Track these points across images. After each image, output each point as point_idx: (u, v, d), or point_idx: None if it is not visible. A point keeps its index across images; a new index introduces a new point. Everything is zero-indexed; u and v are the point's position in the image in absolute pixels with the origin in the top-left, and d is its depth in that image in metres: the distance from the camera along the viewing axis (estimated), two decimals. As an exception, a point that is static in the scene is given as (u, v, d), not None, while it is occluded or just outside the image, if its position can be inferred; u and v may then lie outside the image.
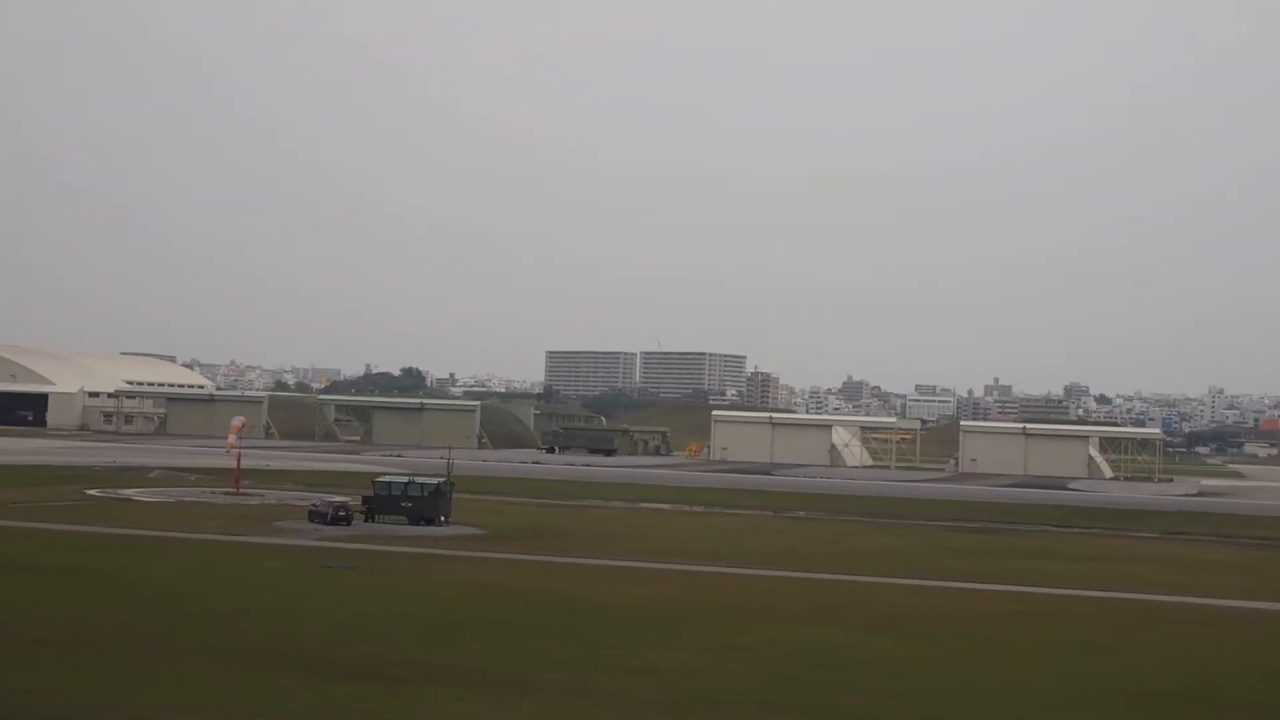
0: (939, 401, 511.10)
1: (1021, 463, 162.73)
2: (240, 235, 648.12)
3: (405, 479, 72.74)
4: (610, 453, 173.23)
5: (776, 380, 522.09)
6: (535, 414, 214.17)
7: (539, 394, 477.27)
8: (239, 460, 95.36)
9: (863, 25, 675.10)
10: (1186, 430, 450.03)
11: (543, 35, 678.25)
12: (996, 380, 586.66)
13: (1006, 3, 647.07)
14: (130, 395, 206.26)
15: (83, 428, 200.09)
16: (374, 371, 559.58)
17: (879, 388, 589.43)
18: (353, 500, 74.04)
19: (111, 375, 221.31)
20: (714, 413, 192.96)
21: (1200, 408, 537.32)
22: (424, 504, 70.31)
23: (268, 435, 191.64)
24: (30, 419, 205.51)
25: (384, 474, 79.17)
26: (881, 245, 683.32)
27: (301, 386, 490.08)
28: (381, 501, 71.00)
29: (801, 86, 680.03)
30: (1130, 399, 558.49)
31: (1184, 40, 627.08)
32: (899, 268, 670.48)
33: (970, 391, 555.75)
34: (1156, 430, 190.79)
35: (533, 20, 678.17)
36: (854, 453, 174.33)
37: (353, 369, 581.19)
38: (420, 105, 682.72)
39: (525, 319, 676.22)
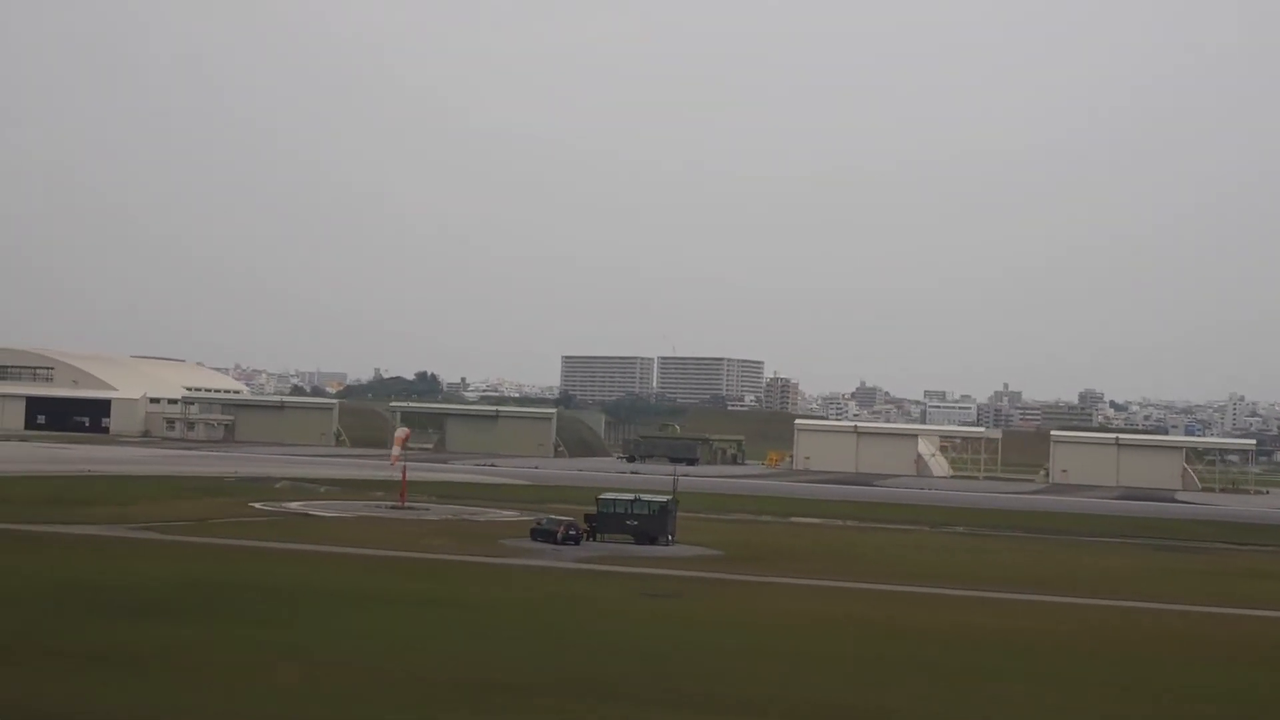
0: (959, 408, 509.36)
1: (1114, 474, 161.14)
2: (243, 238, 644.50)
3: (631, 496, 70.64)
4: (693, 462, 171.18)
5: (796, 386, 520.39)
6: (606, 422, 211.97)
7: (556, 399, 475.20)
8: (404, 473, 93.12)
9: (865, 25, 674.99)
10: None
11: (546, 37, 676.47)
12: (1006, 386, 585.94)
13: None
14: (197, 402, 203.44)
15: (145, 434, 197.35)
16: (384, 376, 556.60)
17: (888, 393, 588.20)
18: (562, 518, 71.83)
19: (167, 381, 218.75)
20: (797, 421, 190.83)
21: (1216, 414, 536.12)
22: (650, 522, 68.30)
23: (338, 443, 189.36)
24: (87, 424, 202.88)
25: (607, 491, 76.83)
26: (877, 246, 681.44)
27: (318, 390, 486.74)
28: (606, 520, 68.95)
29: (801, 86, 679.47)
30: (1144, 405, 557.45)
31: (1215, 31, 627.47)
32: (894, 269, 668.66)
33: (994, 394, 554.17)
34: (1251, 441, 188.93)
35: (533, 22, 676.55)
36: (939, 463, 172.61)
37: (358, 373, 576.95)
38: (423, 108, 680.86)
39: (534, 323, 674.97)
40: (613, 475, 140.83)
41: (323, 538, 66.33)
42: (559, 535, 66.20)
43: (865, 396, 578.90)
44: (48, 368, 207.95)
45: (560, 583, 52.13)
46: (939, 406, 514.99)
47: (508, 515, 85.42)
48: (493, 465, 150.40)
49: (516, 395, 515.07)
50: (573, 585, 51.26)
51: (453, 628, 40.29)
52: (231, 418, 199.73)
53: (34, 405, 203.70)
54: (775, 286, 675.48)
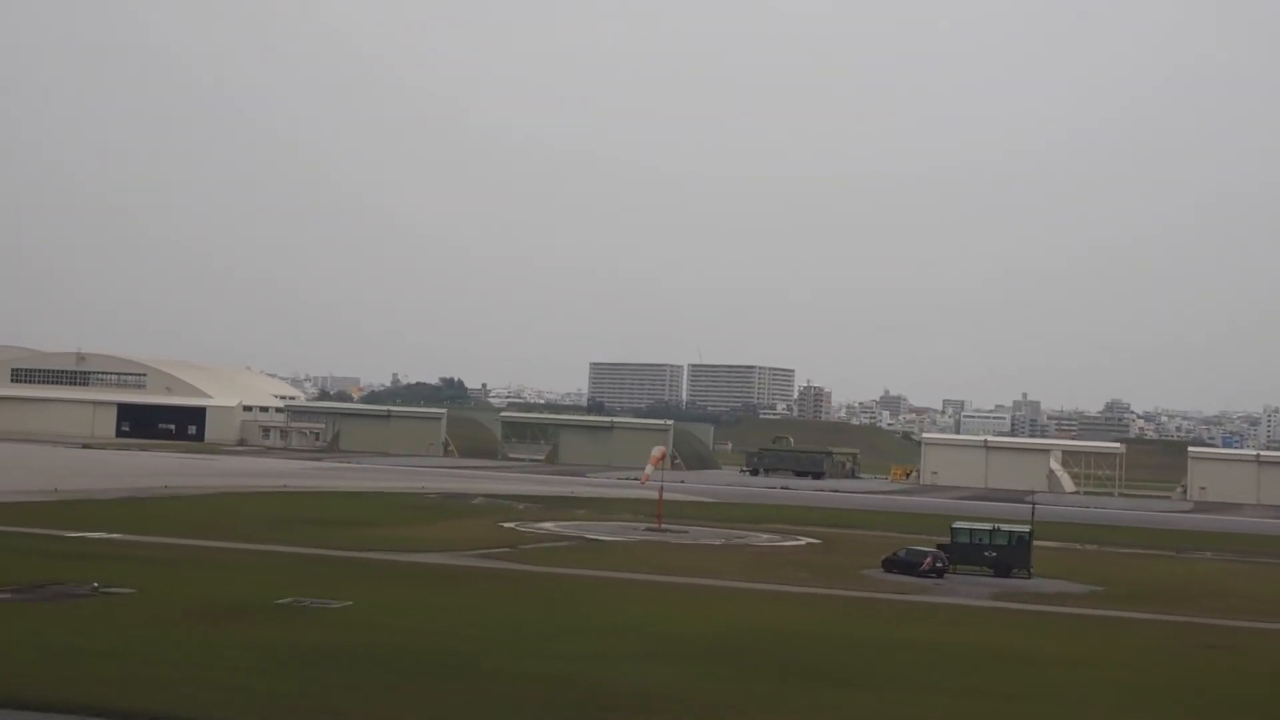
0: (993, 418, 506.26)
1: (1254, 491, 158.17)
2: (246, 241, 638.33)
3: (989, 526, 66.88)
4: (819, 475, 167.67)
5: (829, 395, 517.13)
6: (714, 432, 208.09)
7: (585, 406, 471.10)
8: (661, 493, 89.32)
9: (871, 26, 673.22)
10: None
11: (570, 44, 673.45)
12: (1025, 395, 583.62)
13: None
14: (301, 410, 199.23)
15: (241, 443, 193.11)
16: (402, 381, 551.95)
17: (910, 401, 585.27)
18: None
19: (257, 389, 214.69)
20: (924, 435, 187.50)
21: (1246, 425, 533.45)
22: (1009, 553, 64.68)
23: (446, 453, 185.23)
24: (173, 431, 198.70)
25: (960, 520, 73.07)
26: (883, 250, 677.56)
27: (342, 395, 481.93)
28: (962, 550, 65.25)
29: (797, 88, 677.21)
30: (1172, 416, 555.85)
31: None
32: (894, 273, 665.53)
33: (1014, 404, 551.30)
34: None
35: (553, 28, 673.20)
36: (1065, 479, 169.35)
37: (369, 378, 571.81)
38: (434, 113, 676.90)
39: (551, 328, 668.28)
40: (767, 490, 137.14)
41: (672, 568, 62.35)
42: (923, 567, 62.46)
43: (890, 405, 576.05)
44: (140, 374, 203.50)
45: (1069, 629, 48.16)
46: (973, 417, 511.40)
47: (768, 538, 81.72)
48: (634, 479, 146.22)
49: (542, 402, 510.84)
50: (1094, 631, 47.38)
51: (1123, 692, 36.43)
52: (321, 426, 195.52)
53: (126, 412, 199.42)
54: (791, 292, 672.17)
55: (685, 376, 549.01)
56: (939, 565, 62.90)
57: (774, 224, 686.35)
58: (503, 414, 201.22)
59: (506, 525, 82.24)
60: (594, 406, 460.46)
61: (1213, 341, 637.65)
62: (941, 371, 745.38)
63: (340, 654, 34.81)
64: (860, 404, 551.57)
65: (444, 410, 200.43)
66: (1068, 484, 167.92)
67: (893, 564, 63.62)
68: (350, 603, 43.18)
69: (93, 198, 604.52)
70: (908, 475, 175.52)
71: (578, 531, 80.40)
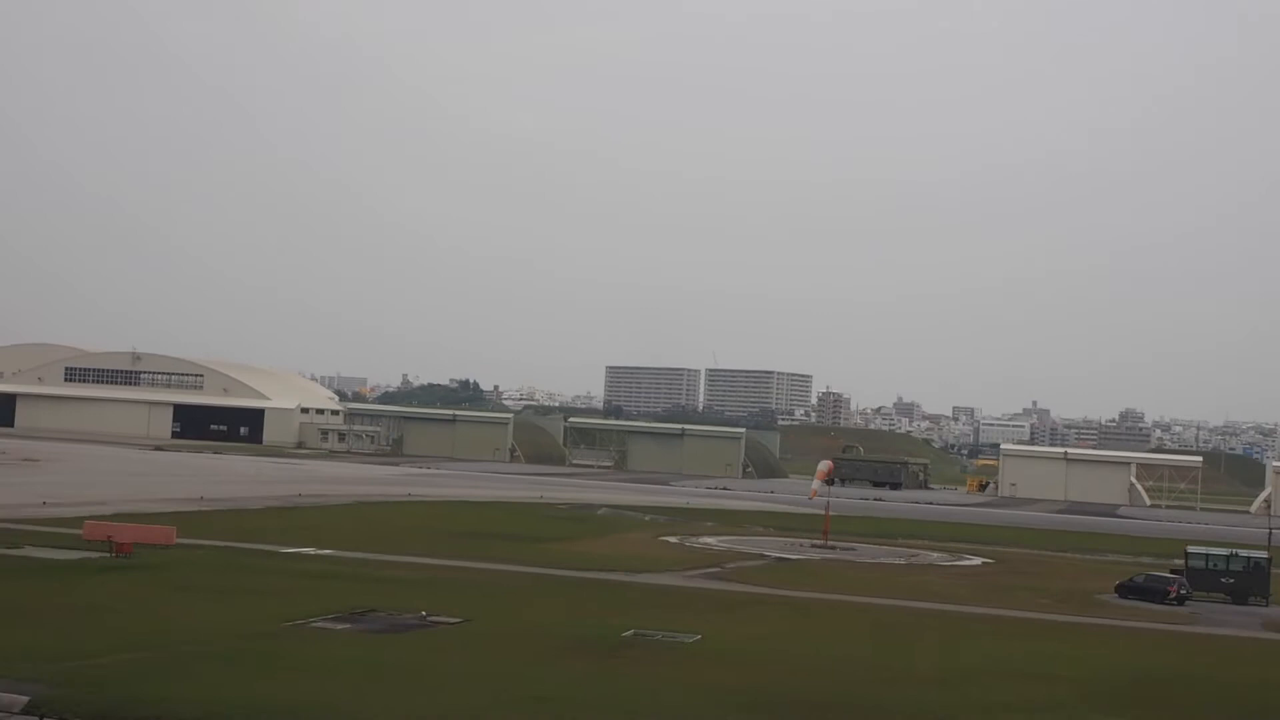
0: (1013, 427, 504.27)
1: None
2: (246, 242, 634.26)
3: (1226, 551, 64.60)
4: (896, 486, 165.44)
5: (848, 401, 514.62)
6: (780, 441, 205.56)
7: (601, 410, 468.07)
8: (828, 509, 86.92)
9: (887, 34, 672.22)
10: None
11: (582, 47, 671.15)
12: (1035, 403, 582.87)
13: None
14: (364, 413, 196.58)
15: (299, 445, 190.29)
16: (413, 382, 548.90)
17: (923, 408, 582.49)
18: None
19: (313, 391, 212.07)
20: (1002, 446, 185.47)
21: (1263, 436, 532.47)
22: (1247, 580, 62.40)
23: (513, 458, 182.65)
24: (224, 431, 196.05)
25: (1195, 544, 70.77)
26: (885, 255, 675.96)
27: (358, 396, 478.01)
28: (1199, 576, 62.88)
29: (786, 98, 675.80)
30: (1186, 426, 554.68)
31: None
32: (895, 280, 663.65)
33: (1024, 411, 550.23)
34: None
35: (568, 30, 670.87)
36: (1141, 492, 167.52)
37: (379, 378, 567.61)
38: (433, 114, 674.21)
39: (559, 331, 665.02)
40: (863, 503, 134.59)
41: (902, 591, 59.72)
42: (1166, 594, 60.11)
43: (904, 411, 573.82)
44: (196, 375, 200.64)
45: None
46: (992, 425, 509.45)
47: (938, 556, 79.38)
48: (724, 489, 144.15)
49: (556, 405, 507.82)
50: None
51: None
52: (377, 429, 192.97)
53: (181, 413, 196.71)
54: (801, 298, 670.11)
55: (702, 381, 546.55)
56: (1183, 593, 60.61)
57: (784, 228, 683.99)
58: (570, 420, 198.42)
59: (669, 540, 79.87)
60: (610, 410, 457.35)
61: (1215, 351, 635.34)
62: (951, 377, 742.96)
63: (768, 697, 32.46)
64: (874, 410, 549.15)
65: (510, 415, 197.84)
66: (1145, 498, 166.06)
67: (1130, 590, 61.21)
68: (699, 636, 40.71)
69: (92, 197, 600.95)
70: (982, 487, 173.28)
71: (749, 547, 77.99)
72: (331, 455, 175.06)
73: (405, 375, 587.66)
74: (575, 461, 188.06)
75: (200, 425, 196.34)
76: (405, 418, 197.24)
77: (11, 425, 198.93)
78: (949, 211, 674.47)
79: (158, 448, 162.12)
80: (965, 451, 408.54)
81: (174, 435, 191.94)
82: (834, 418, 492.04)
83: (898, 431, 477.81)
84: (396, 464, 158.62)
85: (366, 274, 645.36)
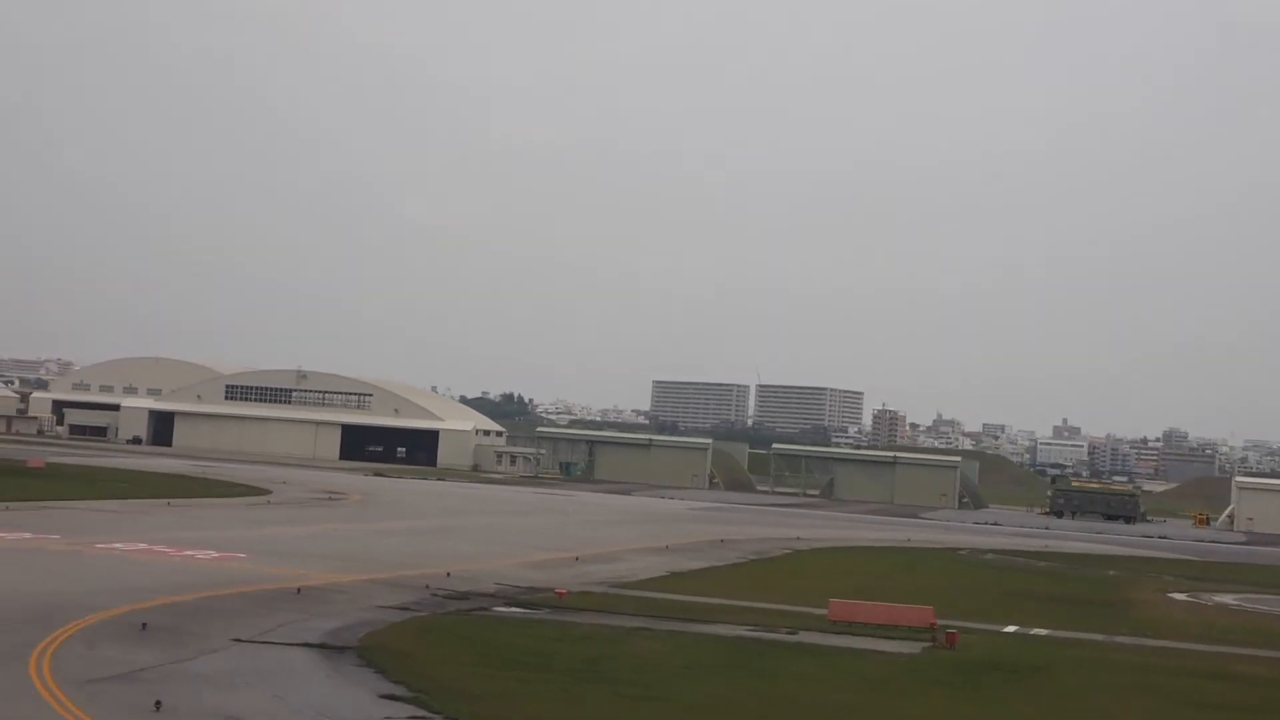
0: (1070, 446, 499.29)
1: None
2: (271, 245, 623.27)
3: None
4: (1130, 519, 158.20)
5: (904, 419, 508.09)
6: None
7: (646, 424, 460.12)
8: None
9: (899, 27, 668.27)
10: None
11: (624, 51, 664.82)
12: (1065, 421, 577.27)
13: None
14: (553, 437, 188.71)
15: (475, 468, 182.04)
16: (442, 394, 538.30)
17: (960, 423, 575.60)
18: None
19: (472, 413, 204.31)
20: (1236, 479, 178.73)
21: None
22: None
23: (711, 485, 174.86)
24: (386, 452, 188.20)
25: None
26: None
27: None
28: None
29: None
30: (1233, 447, 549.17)
31: None
32: (898, 286, 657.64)
33: (1055, 430, 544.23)
34: None
35: (617, 41, 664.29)
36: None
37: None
38: (461, 120, 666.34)
39: (596, 344, 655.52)
40: (1139, 539, 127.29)
41: None
42: None
43: (942, 428, 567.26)
44: (365, 394, 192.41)
45: None
46: (1050, 444, 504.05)
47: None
48: (993, 524, 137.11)
49: (597, 419, 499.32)
50: None
51: None
52: (542, 452, 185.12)
53: (351, 434, 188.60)
54: (836, 307, 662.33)
55: (752, 397, 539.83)
56: None
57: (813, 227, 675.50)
58: (775, 447, 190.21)
59: (1177, 597, 72.51)
60: (659, 425, 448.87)
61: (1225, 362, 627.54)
62: (979, 391, 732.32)
63: None
64: (926, 427, 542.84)
65: (709, 440, 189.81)
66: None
67: None
68: None
69: (119, 200, 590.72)
70: (1205, 521, 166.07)
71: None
72: (520, 480, 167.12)
73: (434, 387, 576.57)
74: (779, 489, 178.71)
75: (365, 446, 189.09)
76: (596, 441, 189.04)
77: (169, 444, 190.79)
78: (975, 219, 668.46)
79: (378, 473, 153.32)
80: (1048, 473, 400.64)
81: (345, 457, 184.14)
82: (890, 436, 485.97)
83: (958, 448, 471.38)
84: (629, 493, 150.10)
85: (401, 285, 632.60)
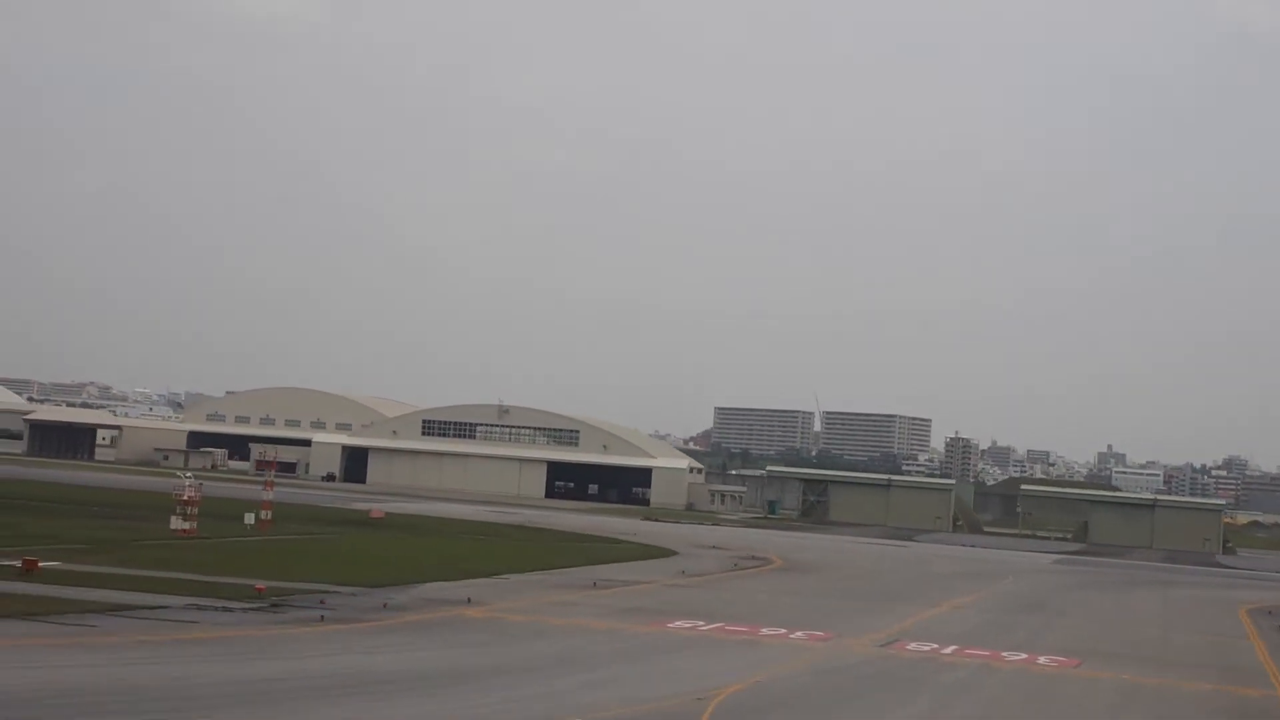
0: (1146, 475, 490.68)
1: None
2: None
3: None
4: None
5: (977, 446, 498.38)
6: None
7: (708, 451, 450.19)
8: None
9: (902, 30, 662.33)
10: None
11: (666, 69, 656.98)
12: (1110, 447, 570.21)
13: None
14: (783, 476, 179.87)
15: (689, 507, 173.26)
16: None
17: (1014, 449, 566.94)
18: None
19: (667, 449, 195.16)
20: None
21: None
22: None
23: (955, 528, 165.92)
24: (594, 491, 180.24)
25: None
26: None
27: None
28: None
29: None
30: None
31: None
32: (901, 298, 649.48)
33: (1100, 456, 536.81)
34: None
35: (650, 56, 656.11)
36: None
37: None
38: (487, 146, 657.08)
39: (606, 363, 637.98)
40: None
41: None
42: None
43: (999, 456, 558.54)
44: (573, 430, 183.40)
45: None
46: (1124, 473, 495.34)
47: None
48: None
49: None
50: None
51: None
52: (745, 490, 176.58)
53: (558, 471, 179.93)
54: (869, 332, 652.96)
55: (817, 423, 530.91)
56: None
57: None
58: (1023, 488, 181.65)
59: None
60: (726, 453, 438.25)
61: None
62: (1021, 416, 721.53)
63: None
64: (984, 450, 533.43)
65: (952, 481, 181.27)
66: None
67: None
68: None
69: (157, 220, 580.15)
70: None
71: None
72: (756, 519, 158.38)
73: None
74: (1038, 534, 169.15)
75: (569, 483, 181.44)
76: (830, 481, 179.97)
77: (363, 481, 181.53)
78: (1005, 243, 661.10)
79: (648, 518, 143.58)
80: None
81: (552, 495, 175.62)
82: (964, 464, 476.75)
83: (1035, 476, 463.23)
84: (906, 544, 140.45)
85: (417, 299, 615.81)
